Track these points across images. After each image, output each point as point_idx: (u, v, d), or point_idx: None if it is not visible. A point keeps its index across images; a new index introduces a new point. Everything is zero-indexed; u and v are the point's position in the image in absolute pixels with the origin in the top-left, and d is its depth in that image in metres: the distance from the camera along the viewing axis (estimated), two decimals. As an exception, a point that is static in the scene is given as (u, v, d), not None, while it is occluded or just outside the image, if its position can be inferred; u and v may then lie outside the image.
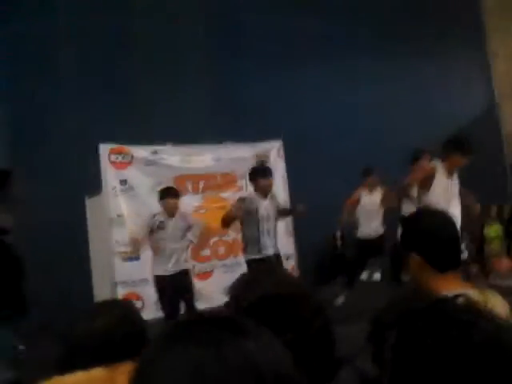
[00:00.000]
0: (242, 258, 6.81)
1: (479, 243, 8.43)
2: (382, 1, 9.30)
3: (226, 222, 5.10)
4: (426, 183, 4.75)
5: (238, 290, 1.18)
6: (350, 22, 8.88)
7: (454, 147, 4.55)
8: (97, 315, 1.51)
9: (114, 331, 1.43)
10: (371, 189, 6.33)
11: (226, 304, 1.20)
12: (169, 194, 5.03)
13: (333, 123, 8.37)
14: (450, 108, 9.76)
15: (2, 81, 6.48)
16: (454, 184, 4.78)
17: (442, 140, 8.24)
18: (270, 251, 4.96)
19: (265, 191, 4.96)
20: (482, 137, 10.29)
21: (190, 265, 5.48)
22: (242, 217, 4.90)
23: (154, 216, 5.01)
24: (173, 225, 5.03)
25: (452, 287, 1.79)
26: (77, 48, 6.85)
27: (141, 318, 1.59)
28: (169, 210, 4.99)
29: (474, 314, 0.79)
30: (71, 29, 6.88)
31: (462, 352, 0.75)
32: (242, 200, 5.01)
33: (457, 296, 0.87)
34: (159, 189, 5.30)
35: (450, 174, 4.66)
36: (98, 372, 1.37)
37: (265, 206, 4.96)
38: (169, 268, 4.99)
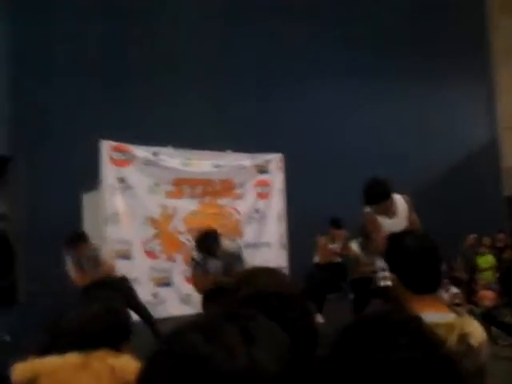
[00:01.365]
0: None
1: (471, 273, 8.46)
2: (395, 32, 9.44)
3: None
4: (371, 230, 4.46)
5: (236, 283, 1.24)
6: (356, 46, 9.00)
7: (364, 199, 4.15)
8: (82, 306, 1.56)
9: (96, 322, 1.48)
10: (334, 239, 6.77)
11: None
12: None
13: (333, 140, 8.45)
14: (453, 138, 9.87)
15: (9, 75, 6.58)
16: (398, 223, 4.15)
17: (443, 169, 8.33)
18: None
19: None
20: (481, 168, 10.43)
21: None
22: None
23: None
24: None
25: (429, 309, 1.82)
26: (81, 48, 6.92)
27: (126, 314, 1.63)
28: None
29: (413, 338, 0.81)
30: (72, 29, 6.95)
31: (379, 369, 0.78)
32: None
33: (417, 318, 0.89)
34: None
35: (389, 214, 4.21)
36: (72, 357, 1.41)
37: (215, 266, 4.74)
38: None
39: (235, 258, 4.86)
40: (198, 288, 4.63)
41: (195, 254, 4.77)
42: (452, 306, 7.17)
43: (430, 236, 1.94)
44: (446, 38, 9.98)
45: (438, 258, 1.86)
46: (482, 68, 11.09)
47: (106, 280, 4.64)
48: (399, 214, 4.24)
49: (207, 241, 4.78)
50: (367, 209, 4.18)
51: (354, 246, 6.15)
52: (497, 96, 11.43)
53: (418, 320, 0.92)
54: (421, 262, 1.80)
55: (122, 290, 4.81)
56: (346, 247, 6.63)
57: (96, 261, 4.74)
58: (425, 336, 0.85)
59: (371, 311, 1.10)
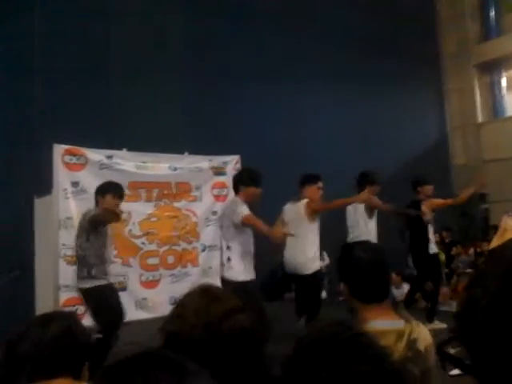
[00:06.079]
0: (190, 269, 6.86)
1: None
2: (353, 41, 9.65)
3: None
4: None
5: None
6: (315, 51, 9.14)
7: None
8: (40, 327, 1.49)
9: (56, 344, 1.43)
10: None
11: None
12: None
13: (291, 143, 8.54)
14: (405, 139, 10.16)
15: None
16: None
17: (396, 168, 8.73)
18: None
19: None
20: (432, 167, 10.78)
21: None
22: None
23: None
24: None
25: (379, 317, 1.88)
26: (32, 49, 6.71)
27: (85, 332, 1.58)
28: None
29: (362, 353, 0.86)
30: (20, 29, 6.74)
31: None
32: None
33: (363, 333, 0.94)
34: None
35: None
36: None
37: None
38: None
39: None
40: None
41: None
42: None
43: (380, 247, 2.00)
44: (399, 45, 10.27)
45: (387, 270, 1.93)
46: (432, 72, 11.49)
47: None
48: None
49: None
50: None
51: None
52: (446, 98, 11.86)
53: (366, 335, 0.96)
54: (369, 274, 1.85)
55: None
56: None
57: None
58: (371, 350, 0.89)
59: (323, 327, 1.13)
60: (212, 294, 1.32)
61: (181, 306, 1.33)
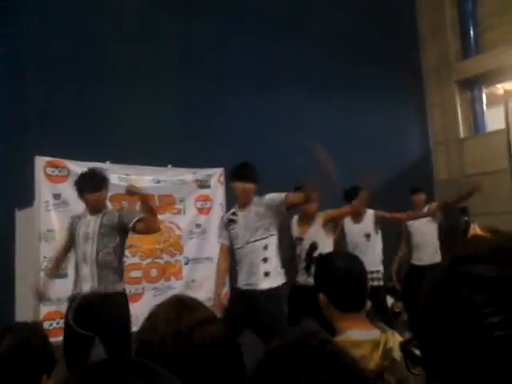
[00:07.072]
0: (174, 282, 6.83)
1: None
2: (334, 54, 9.75)
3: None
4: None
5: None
6: (299, 63, 9.24)
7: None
8: None
9: (9, 358, 1.40)
10: None
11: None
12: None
13: (275, 155, 8.57)
14: (387, 153, 10.25)
15: None
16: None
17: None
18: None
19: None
20: (415, 181, 10.87)
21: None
22: None
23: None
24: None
25: (355, 327, 1.91)
26: (16, 56, 6.70)
27: (44, 344, 1.54)
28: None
29: (325, 361, 0.86)
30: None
31: None
32: None
33: (326, 341, 0.94)
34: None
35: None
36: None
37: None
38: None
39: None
40: None
41: None
42: (392, 314, 7.37)
43: (357, 257, 2.03)
44: (381, 59, 10.40)
45: (364, 280, 1.96)
46: (415, 86, 11.65)
47: None
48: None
49: None
50: None
51: None
52: (429, 112, 12.02)
53: (331, 343, 0.97)
54: (348, 284, 1.89)
55: None
56: None
57: None
58: (337, 358, 0.90)
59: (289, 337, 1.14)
60: (184, 304, 1.32)
61: (153, 316, 1.32)
